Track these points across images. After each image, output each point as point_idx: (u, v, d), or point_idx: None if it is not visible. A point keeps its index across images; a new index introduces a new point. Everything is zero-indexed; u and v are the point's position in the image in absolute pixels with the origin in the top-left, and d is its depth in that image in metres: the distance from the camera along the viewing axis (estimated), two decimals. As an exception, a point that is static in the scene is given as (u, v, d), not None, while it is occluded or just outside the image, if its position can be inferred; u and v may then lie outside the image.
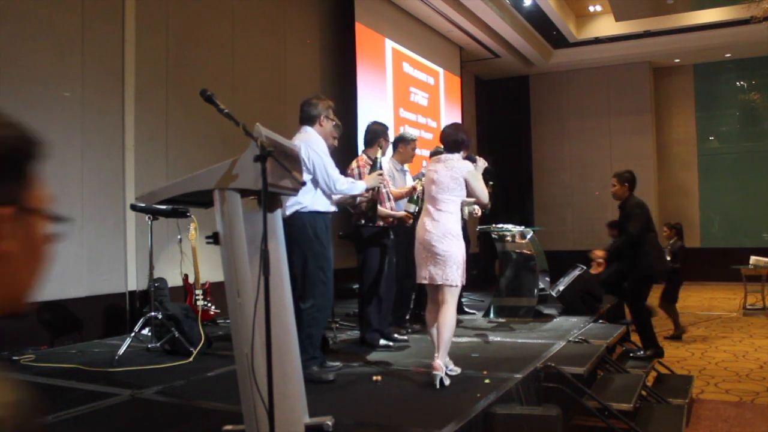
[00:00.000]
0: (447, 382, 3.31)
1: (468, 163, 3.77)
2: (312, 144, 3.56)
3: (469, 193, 3.69)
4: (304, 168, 3.49)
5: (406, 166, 5.11)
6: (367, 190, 3.98)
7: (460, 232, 3.61)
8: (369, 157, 4.50)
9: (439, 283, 3.51)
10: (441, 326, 3.44)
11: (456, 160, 3.69)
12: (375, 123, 4.72)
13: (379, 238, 4.48)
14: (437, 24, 9.93)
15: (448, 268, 3.50)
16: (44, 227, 0.81)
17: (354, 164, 4.51)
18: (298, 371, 2.60)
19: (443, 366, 3.35)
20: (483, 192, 3.73)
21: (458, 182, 3.60)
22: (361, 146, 6.74)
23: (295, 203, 3.52)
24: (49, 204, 0.81)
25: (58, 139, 4.90)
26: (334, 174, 3.59)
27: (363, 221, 4.41)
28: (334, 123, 3.96)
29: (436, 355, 3.36)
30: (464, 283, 3.58)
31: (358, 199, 4.26)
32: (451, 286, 3.51)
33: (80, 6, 5.08)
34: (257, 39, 6.94)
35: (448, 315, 3.47)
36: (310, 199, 3.54)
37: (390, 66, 8.84)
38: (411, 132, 5.29)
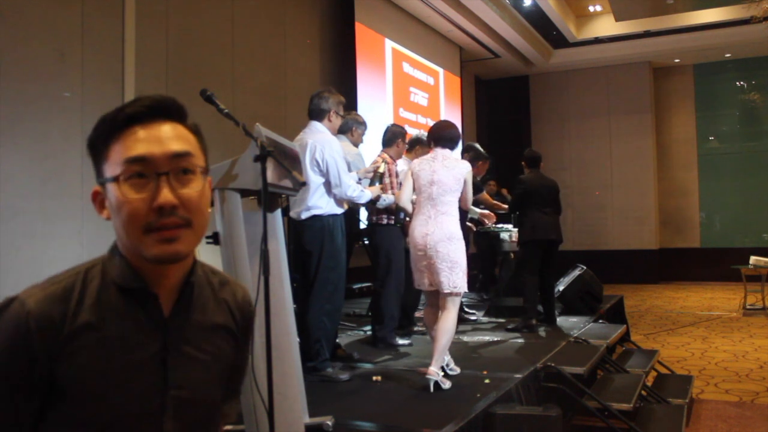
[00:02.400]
0: (446, 385, 3.26)
1: (467, 163, 3.66)
2: (327, 146, 3.51)
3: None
4: (316, 170, 3.49)
5: None
6: (372, 202, 4.01)
7: (462, 235, 3.50)
8: (392, 157, 4.56)
9: (447, 291, 3.34)
10: (440, 332, 3.31)
11: (454, 159, 3.56)
12: (394, 125, 4.82)
13: (399, 237, 4.45)
14: (437, 24, 9.93)
15: (455, 274, 3.34)
16: (121, 190, 0.96)
17: (380, 160, 4.46)
18: (298, 371, 2.60)
19: (437, 372, 3.24)
20: (471, 195, 3.68)
21: (460, 183, 3.49)
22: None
23: (314, 207, 3.51)
24: (124, 165, 0.95)
25: (58, 139, 4.90)
26: (346, 180, 3.55)
27: (388, 221, 4.41)
28: (353, 121, 3.95)
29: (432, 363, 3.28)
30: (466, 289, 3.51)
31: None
32: (458, 294, 3.39)
33: (80, 6, 5.08)
34: (257, 39, 6.94)
35: (449, 322, 3.34)
36: (325, 203, 3.52)
37: (390, 66, 8.84)
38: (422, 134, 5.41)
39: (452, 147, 3.61)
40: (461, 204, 3.63)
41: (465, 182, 3.52)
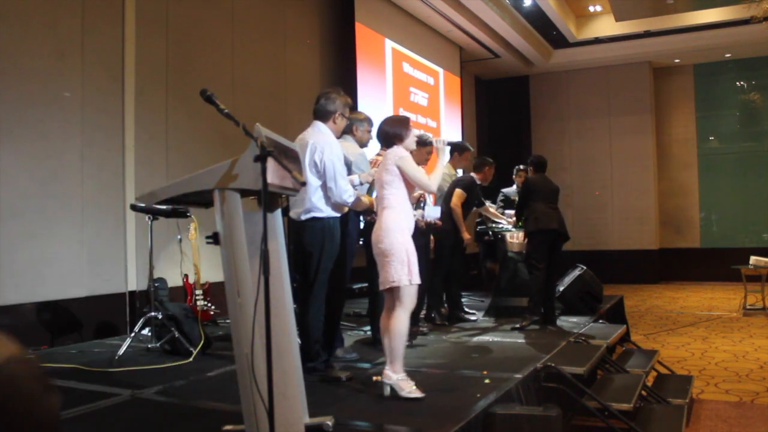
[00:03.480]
0: (405, 392, 3.03)
1: (399, 149, 3.30)
2: (328, 148, 3.50)
3: (412, 182, 3.26)
4: (314, 171, 3.49)
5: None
6: (368, 211, 4.01)
7: (404, 226, 3.17)
8: None
9: (387, 286, 3.10)
10: (385, 331, 3.11)
11: (390, 152, 3.28)
12: None
13: None
14: (437, 24, 9.93)
15: (391, 266, 3.08)
16: None
17: (379, 159, 4.43)
18: (298, 371, 2.60)
19: (392, 375, 3.06)
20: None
21: (393, 173, 3.20)
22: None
23: (313, 209, 3.50)
24: None
25: (58, 139, 4.90)
26: (342, 184, 3.54)
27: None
28: (354, 120, 3.93)
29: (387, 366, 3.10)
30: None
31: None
32: (397, 286, 3.08)
33: (80, 6, 5.08)
34: (257, 39, 6.94)
35: (395, 321, 3.09)
36: (323, 205, 3.52)
37: (390, 66, 8.84)
38: (428, 135, 5.31)
39: (391, 144, 3.31)
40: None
41: (401, 169, 3.20)
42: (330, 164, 3.48)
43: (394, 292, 3.11)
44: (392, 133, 3.32)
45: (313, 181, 3.49)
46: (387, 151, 3.32)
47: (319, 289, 3.51)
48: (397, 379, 3.06)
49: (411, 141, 3.38)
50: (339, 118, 3.65)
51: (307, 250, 3.53)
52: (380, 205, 3.24)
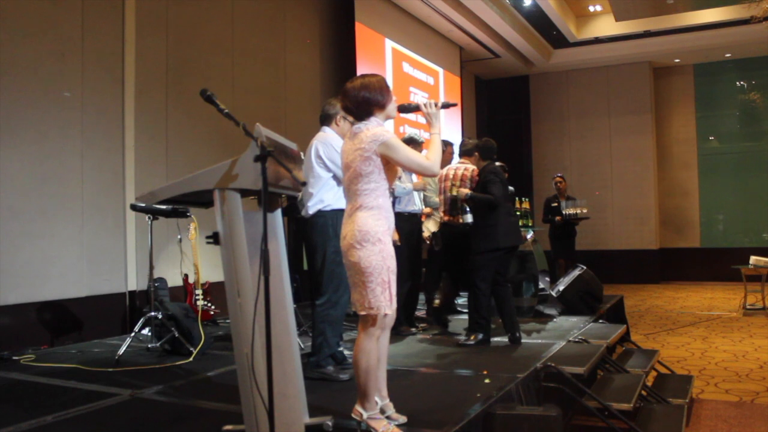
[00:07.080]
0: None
1: (383, 129, 2.55)
2: (329, 142, 3.64)
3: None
4: (322, 167, 3.60)
5: None
6: None
7: (384, 233, 2.51)
8: None
9: (363, 312, 2.50)
10: (354, 361, 2.56)
11: (367, 129, 2.54)
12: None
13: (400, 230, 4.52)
14: (437, 24, 9.93)
15: (369, 289, 2.46)
16: None
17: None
18: (299, 371, 2.61)
19: (362, 413, 2.55)
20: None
21: (373, 163, 2.49)
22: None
23: (317, 201, 3.59)
24: None
25: (58, 139, 4.90)
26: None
27: None
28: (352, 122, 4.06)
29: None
30: (391, 312, 2.51)
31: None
32: (375, 315, 2.49)
33: (80, 6, 5.08)
34: (257, 39, 6.94)
35: (359, 351, 2.52)
36: (332, 197, 3.59)
37: (390, 66, 8.84)
38: (420, 134, 5.35)
39: (369, 114, 2.60)
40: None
41: (388, 157, 2.51)
42: (336, 156, 3.60)
43: (368, 317, 2.51)
44: (378, 98, 2.55)
45: (323, 174, 3.59)
46: (359, 127, 2.56)
47: (326, 283, 3.55)
48: (367, 417, 2.55)
49: (392, 107, 2.64)
50: (341, 120, 3.83)
51: (313, 245, 3.62)
52: (349, 201, 2.58)
